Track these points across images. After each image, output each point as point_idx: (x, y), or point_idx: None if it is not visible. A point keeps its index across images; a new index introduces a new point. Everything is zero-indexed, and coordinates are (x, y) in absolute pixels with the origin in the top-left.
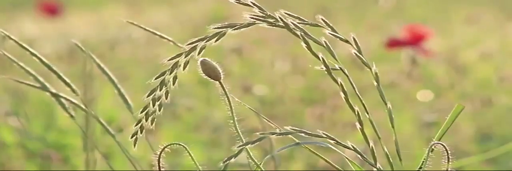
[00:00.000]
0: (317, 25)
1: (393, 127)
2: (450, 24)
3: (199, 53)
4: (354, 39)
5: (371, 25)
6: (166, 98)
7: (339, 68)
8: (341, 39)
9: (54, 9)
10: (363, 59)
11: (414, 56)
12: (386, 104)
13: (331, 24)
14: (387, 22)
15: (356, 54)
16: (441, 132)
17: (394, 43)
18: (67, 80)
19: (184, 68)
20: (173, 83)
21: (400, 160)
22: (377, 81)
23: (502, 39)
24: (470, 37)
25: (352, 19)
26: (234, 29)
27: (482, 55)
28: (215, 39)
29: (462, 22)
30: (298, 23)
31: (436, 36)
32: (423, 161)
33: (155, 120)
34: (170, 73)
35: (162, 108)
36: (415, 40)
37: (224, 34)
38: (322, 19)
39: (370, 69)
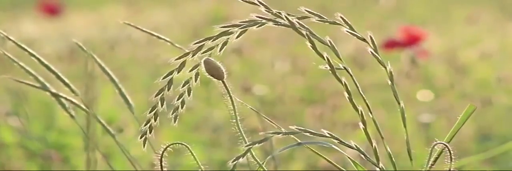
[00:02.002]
0: (335, 23)
1: (405, 126)
2: (450, 24)
3: (221, 49)
4: (371, 37)
5: (371, 25)
6: (189, 95)
7: (343, 68)
8: (358, 37)
9: (54, 9)
10: (379, 57)
11: (413, 57)
12: (399, 103)
13: (350, 22)
14: (387, 22)
15: (372, 52)
16: (451, 133)
17: (391, 44)
18: (67, 80)
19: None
20: (196, 80)
21: (411, 159)
22: (392, 80)
23: (502, 39)
24: (470, 37)
25: (352, 19)
26: (241, 28)
27: (482, 55)
28: (235, 36)
29: (462, 22)
30: (317, 21)
31: (436, 36)
32: (427, 161)
33: (178, 117)
34: (178, 73)
35: (185, 105)
36: (411, 41)
37: (244, 32)
38: (341, 17)
39: (385, 68)
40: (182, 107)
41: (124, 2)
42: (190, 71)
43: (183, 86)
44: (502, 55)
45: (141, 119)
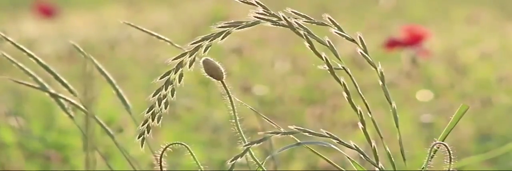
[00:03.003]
0: (323, 24)
1: (397, 126)
2: (450, 24)
3: (205, 51)
4: (360, 38)
5: (371, 25)
6: (172, 96)
7: (342, 68)
8: (347, 38)
9: (50, 11)
10: (369, 58)
11: (414, 56)
12: (391, 103)
13: (338, 23)
14: (387, 22)
15: (361, 53)
16: (445, 132)
17: (392, 44)
18: (65, 81)
19: (190, 66)
20: (179, 81)
21: (404, 160)
22: (383, 80)
23: (502, 39)
24: (470, 37)
25: (352, 19)
26: (238, 29)
27: (482, 55)
28: (220, 37)
29: (462, 22)
30: (304, 22)
31: (436, 36)
32: (426, 161)
33: (161, 118)
34: (175, 73)
35: (168, 106)
36: (413, 40)
37: (229, 33)
38: (329, 18)
39: (376, 68)
40: (165, 108)
41: (124, 2)
42: (175, 73)
43: (166, 87)
44: (502, 55)
45: (140, 119)
